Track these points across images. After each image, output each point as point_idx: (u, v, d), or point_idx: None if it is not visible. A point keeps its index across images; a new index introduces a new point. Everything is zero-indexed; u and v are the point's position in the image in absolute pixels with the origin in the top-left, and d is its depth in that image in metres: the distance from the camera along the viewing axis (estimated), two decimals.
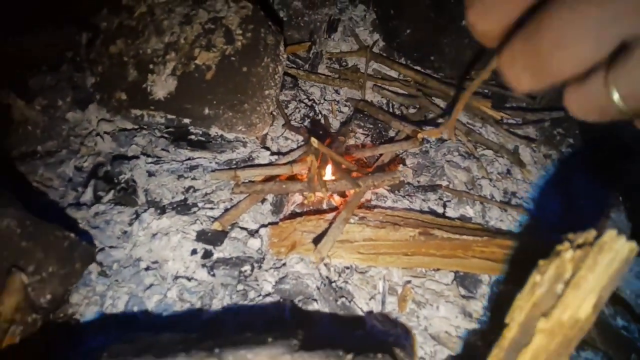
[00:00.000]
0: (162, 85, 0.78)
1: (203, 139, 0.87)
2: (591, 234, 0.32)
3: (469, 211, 0.87)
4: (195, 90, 0.78)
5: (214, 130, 0.86)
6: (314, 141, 0.62)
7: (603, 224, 0.85)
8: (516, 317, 0.35)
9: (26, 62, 1.10)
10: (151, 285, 0.70)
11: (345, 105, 1.15)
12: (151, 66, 0.79)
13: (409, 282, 0.74)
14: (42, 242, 0.59)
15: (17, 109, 1.00)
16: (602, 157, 0.97)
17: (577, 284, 0.31)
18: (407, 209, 0.83)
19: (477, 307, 0.72)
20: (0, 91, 1.01)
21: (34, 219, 0.59)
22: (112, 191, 0.82)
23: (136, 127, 0.91)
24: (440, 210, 0.88)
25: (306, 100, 1.12)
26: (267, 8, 1.17)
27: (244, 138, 0.87)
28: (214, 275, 0.70)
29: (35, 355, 0.59)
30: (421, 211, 0.85)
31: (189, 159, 0.85)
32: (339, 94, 1.19)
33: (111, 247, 0.76)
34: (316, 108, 1.11)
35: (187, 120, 0.83)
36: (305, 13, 1.36)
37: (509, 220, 0.87)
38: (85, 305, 0.70)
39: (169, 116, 0.82)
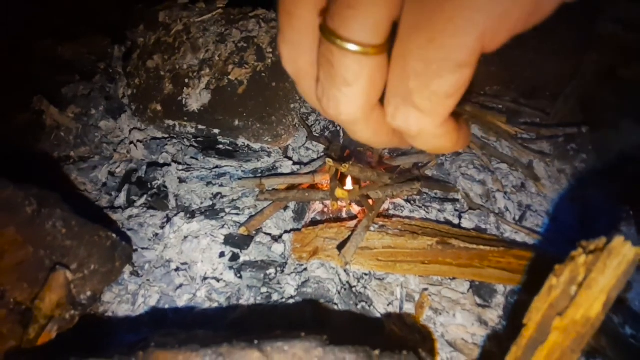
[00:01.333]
0: (196, 98, 0.83)
1: (230, 148, 0.93)
2: (602, 241, 0.35)
3: (483, 223, 0.90)
4: (227, 104, 0.83)
5: (241, 141, 0.91)
6: (329, 161, 0.66)
7: (613, 235, 0.87)
8: (533, 317, 0.38)
9: (59, 70, 1.18)
10: (181, 285, 0.74)
11: None
12: (186, 80, 0.85)
13: (426, 289, 0.76)
14: (86, 241, 0.64)
15: (50, 116, 1.07)
16: (615, 172, 0.98)
17: (589, 285, 0.34)
18: (424, 219, 0.86)
19: (493, 315, 0.74)
20: (34, 97, 1.08)
21: (80, 219, 0.65)
22: (145, 196, 0.87)
23: (167, 136, 0.97)
24: (455, 221, 0.91)
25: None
26: None
27: (268, 148, 0.92)
28: (240, 277, 0.74)
29: (71, 348, 0.64)
30: (437, 221, 0.88)
31: (216, 167, 0.91)
32: None
33: (143, 248, 0.81)
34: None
35: (216, 131, 0.88)
36: None
37: (524, 233, 0.89)
38: (118, 303, 0.75)
39: (200, 127, 0.88)
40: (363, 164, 0.87)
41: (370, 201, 0.79)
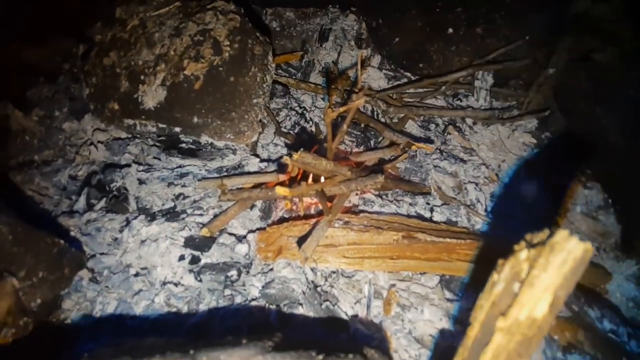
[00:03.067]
0: (152, 95, 0.80)
1: (193, 147, 0.89)
2: (544, 233, 0.33)
3: (454, 215, 0.88)
4: (184, 100, 0.80)
5: (204, 139, 0.88)
6: (287, 159, 0.64)
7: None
8: (478, 316, 0.36)
9: (24, 74, 1.13)
10: (140, 290, 0.71)
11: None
12: (142, 77, 0.81)
13: (393, 285, 0.75)
14: (33, 248, 0.61)
15: (15, 120, 1.02)
16: (590, 159, 0.97)
17: (531, 283, 0.32)
18: (394, 214, 0.84)
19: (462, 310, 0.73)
20: None
21: (25, 226, 0.61)
22: (104, 199, 0.84)
23: (130, 136, 0.93)
24: (427, 214, 0.89)
25: (297, 108, 1.14)
26: (256, 20, 1.20)
27: (233, 146, 0.89)
28: (200, 280, 0.71)
29: (27, 356, 0.60)
30: (408, 215, 0.86)
31: (179, 166, 0.87)
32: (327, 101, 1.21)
33: (102, 253, 0.77)
34: (307, 115, 1.13)
35: (177, 129, 0.85)
36: (298, 23, 1.39)
37: (495, 224, 0.88)
38: (77, 310, 0.71)
39: (160, 125, 0.84)
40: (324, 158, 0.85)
41: (334, 197, 0.77)
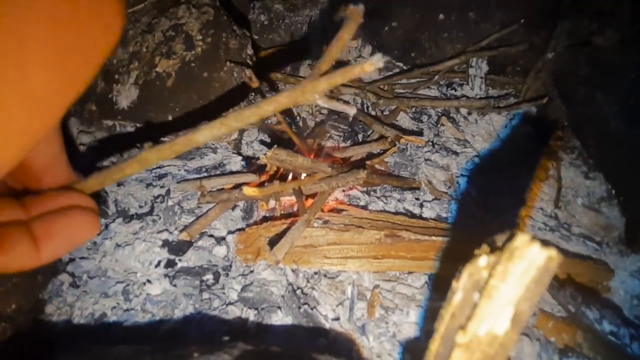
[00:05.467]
0: (125, 95, 0.78)
1: None
2: (502, 237, 0.29)
3: (445, 211, 0.84)
4: (157, 98, 0.78)
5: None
6: (263, 158, 0.61)
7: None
8: (439, 328, 0.33)
9: None
10: (115, 295, 0.69)
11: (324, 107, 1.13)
12: (116, 76, 0.79)
13: (377, 286, 0.71)
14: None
15: None
16: (592, 149, 0.92)
17: (490, 294, 0.28)
18: (379, 211, 0.81)
19: None
20: None
21: None
22: None
23: (107, 135, 0.92)
24: (416, 210, 0.86)
25: None
26: (237, 13, 1.16)
27: (213, 144, 0.87)
28: (175, 285, 0.69)
29: None
30: (395, 212, 0.82)
31: (158, 167, 0.85)
32: None
33: (82, 257, 0.76)
34: (294, 111, 1.10)
35: (154, 129, 0.82)
36: (287, 16, 1.35)
37: (488, 220, 0.84)
38: (57, 315, 0.70)
39: (137, 125, 0.82)
40: (313, 156, 0.82)
41: (312, 195, 0.73)
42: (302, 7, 1.36)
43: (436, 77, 1.12)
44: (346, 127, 0.99)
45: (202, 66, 0.77)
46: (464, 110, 1.10)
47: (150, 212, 0.79)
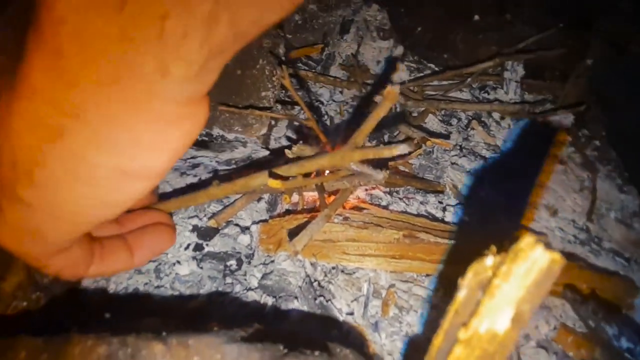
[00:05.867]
0: None
1: (206, 138, 0.92)
2: (510, 239, 0.30)
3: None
4: None
5: (216, 131, 0.91)
6: (288, 153, 0.63)
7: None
8: (443, 324, 0.34)
9: None
10: (148, 272, 0.75)
11: (352, 106, 1.15)
12: None
13: (393, 285, 0.72)
14: None
15: None
16: (630, 159, 0.87)
17: (492, 293, 0.29)
18: (400, 212, 0.82)
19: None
20: None
21: None
22: None
23: None
24: (439, 214, 0.86)
25: (314, 102, 1.14)
26: None
27: (243, 138, 0.91)
28: (201, 267, 0.74)
29: (37, 329, 0.67)
30: (417, 214, 0.83)
31: (192, 157, 0.91)
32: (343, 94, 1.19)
33: None
34: (322, 109, 1.13)
35: None
36: (320, 15, 1.37)
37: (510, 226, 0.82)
38: (94, 288, 0.77)
39: None
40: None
41: (335, 192, 0.75)
42: (336, 7, 1.38)
43: (469, 79, 1.11)
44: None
45: (236, 64, 0.82)
46: (496, 115, 1.08)
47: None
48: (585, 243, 0.83)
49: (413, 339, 0.64)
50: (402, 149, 0.57)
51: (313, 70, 1.24)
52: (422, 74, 1.19)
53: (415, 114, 1.09)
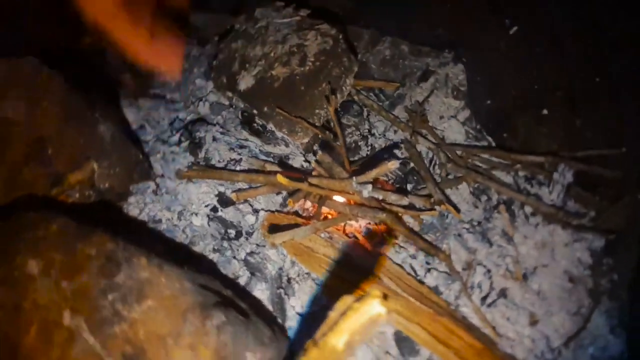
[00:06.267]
0: (245, 81, 1.02)
1: (260, 129, 1.10)
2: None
3: (445, 286, 0.87)
4: (264, 92, 1.00)
5: (270, 126, 1.07)
6: (314, 164, 0.76)
7: None
8: (317, 332, 0.45)
9: (184, 30, 1.47)
10: (174, 212, 0.95)
11: (399, 148, 1.22)
12: (247, 65, 1.04)
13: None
14: (120, 151, 0.89)
15: None
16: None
17: (341, 322, 0.39)
18: (387, 256, 0.89)
19: None
20: None
21: (123, 135, 0.90)
22: (189, 141, 1.11)
23: (227, 104, 1.19)
24: (421, 272, 0.90)
25: (364, 131, 1.24)
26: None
27: (288, 140, 1.06)
28: (209, 225, 0.91)
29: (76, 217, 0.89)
30: (398, 264, 0.89)
31: (245, 139, 1.09)
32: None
33: (169, 177, 1.04)
34: (369, 140, 1.23)
35: (254, 112, 1.06)
36: (408, 57, 1.46)
37: (479, 317, 0.83)
38: (131, 207, 0.98)
39: (245, 104, 1.07)
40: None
41: (331, 212, 0.86)
42: (426, 55, 1.45)
43: (517, 165, 1.11)
44: (400, 174, 1.07)
45: (303, 81, 0.97)
46: (528, 209, 1.06)
47: (222, 168, 1.03)
48: None
49: None
50: (393, 164, 0.69)
51: (380, 103, 1.34)
52: (476, 143, 1.22)
53: (451, 177, 1.13)
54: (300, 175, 0.86)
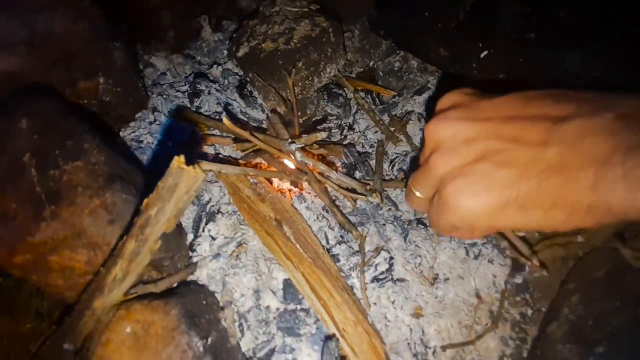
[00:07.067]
0: (243, 50, 1.21)
1: (248, 94, 1.27)
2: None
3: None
4: (251, 60, 1.18)
5: (255, 92, 1.24)
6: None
7: None
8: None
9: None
10: (154, 136, 1.15)
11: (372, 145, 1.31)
12: (250, 39, 1.23)
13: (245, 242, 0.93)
14: (125, 76, 1.11)
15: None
16: None
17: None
18: (305, 216, 0.99)
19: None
20: None
21: (130, 65, 1.12)
22: (190, 91, 1.32)
23: (235, 71, 1.39)
24: (332, 242, 0.99)
25: (344, 122, 1.35)
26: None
27: (265, 106, 1.22)
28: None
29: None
30: (312, 230, 0.98)
31: (234, 99, 1.27)
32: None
33: (164, 113, 1.25)
34: (345, 132, 1.33)
35: (248, 78, 1.24)
36: (414, 72, 1.55)
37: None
38: (133, 130, 1.21)
39: (240, 70, 1.26)
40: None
41: (263, 164, 1.00)
42: (431, 73, 1.52)
43: None
44: (352, 161, 1.16)
45: (282, 57, 1.13)
46: None
47: (207, 116, 1.22)
48: None
49: None
50: (319, 134, 0.81)
51: (372, 106, 1.44)
52: None
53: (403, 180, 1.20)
54: (247, 127, 1.01)
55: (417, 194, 0.50)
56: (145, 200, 0.58)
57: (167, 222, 0.59)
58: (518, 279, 0.99)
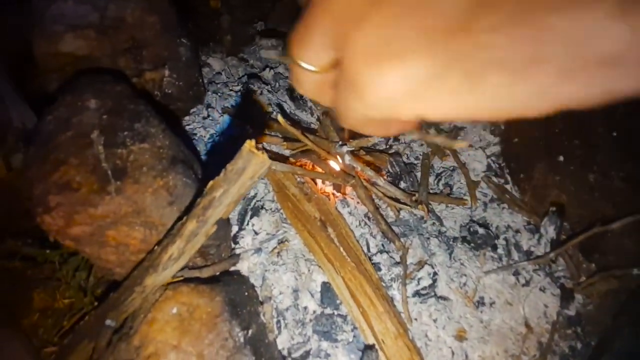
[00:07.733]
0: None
1: (298, 97, 1.29)
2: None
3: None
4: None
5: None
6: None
7: None
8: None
9: None
10: (207, 130, 1.19)
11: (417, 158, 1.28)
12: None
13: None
14: (188, 71, 1.16)
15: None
16: None
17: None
18: (349, 222, 0.97)
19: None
20: None
21: (193, 61, 1.17)
22: (243, 90, 1.36)
23: (286, 75, 1.42)
24: (373, 250, 0.96)
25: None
26: None
27: (314, 109, 1.23)
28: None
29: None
30: (356, 237, 0.96)
31: (284, 101, 1.30)
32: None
33: (216, 110, 1.30)
34: (391, 141, 1.32)
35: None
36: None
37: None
38: (188, 123, 1.26)
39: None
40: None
41: (310, 164, 1.00)
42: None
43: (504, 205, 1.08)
44: (398, 171, 1.14)
45: None
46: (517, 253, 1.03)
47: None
48: None
49: None
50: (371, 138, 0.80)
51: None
52: (493, 178, 1.22)
53: (452, 196, 1.16)
54: (297, 127, 1.02)
55: (306, 65, 0.26)
56: (211, 182, 0.59)
57: (227, 206, 0.59)
58: (571, 311, 0.92)
